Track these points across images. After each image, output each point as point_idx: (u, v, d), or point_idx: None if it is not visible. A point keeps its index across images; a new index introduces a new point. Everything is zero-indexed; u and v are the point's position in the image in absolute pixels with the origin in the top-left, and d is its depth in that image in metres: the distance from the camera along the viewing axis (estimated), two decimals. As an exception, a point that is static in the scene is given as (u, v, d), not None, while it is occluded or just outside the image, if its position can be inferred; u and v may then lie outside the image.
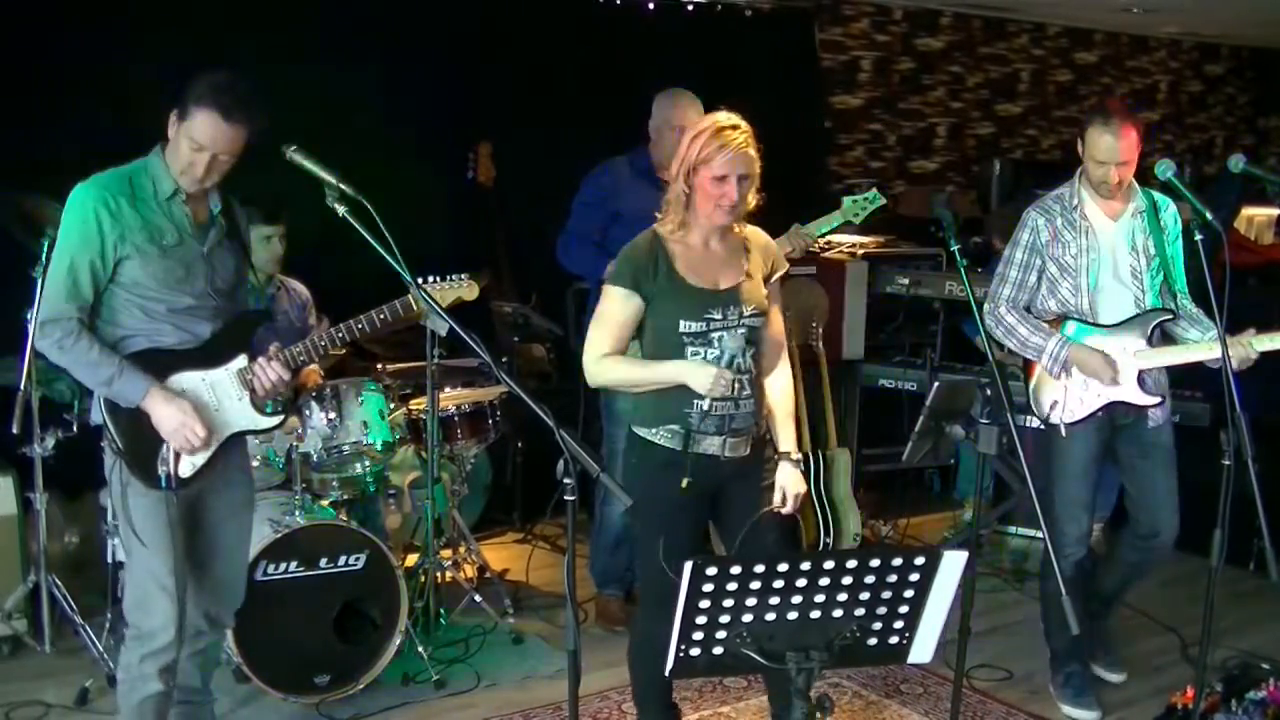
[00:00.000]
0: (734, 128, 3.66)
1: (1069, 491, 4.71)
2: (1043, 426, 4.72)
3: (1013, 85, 10.41)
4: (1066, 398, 4.62)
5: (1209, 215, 4.11)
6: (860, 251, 7.17)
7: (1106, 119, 4.48)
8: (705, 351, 3.67)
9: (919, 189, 9.48)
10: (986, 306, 4.75)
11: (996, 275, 4.80)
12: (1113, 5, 9.13)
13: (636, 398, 3.80)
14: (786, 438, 3.91)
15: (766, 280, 3.85)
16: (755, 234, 3.88)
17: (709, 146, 3.64)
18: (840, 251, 7.03)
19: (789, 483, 3.87)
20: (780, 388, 3.93)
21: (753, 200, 3.75)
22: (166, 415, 3.63)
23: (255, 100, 3.59)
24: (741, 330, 3.69)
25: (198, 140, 3.55)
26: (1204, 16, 9.77)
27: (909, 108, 9.76)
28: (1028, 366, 4.76)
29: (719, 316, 3.68)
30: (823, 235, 5.49)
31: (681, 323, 3.67)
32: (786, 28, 8.64)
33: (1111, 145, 4.47)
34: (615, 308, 3.74)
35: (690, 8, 7.95)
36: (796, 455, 3.91)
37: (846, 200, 5.49)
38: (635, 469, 3.85)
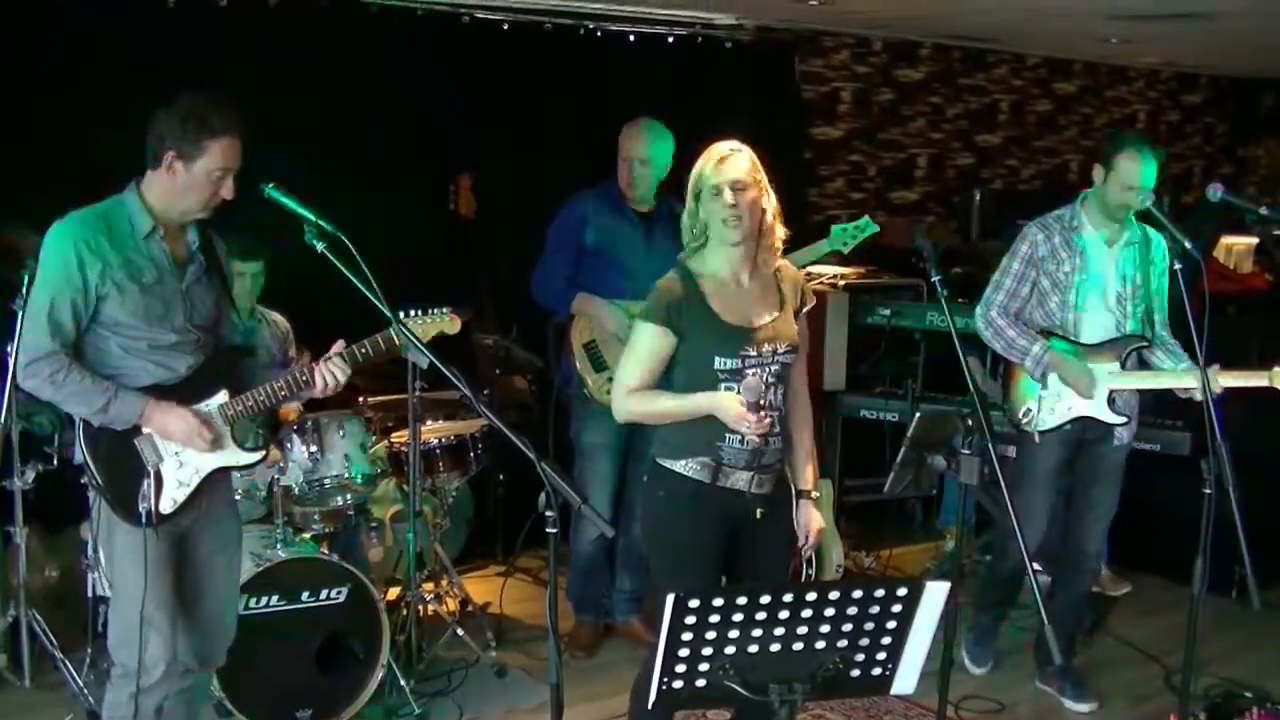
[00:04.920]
0: (726, 147, 3.69)
1: (1028, 497, 4.94)
2: (1015, 433, 5.01)
3: (992, 116, 10.46)
4: (1040, 407, 4.86)
5: (1188, 244, 4.18)
6: (841, 282, 7.19)
7: (1140, 147, 4.71)
8: (738, 388, 3.60)
9: (899, 219, 9.50)
10: (979, 309, 4.99)
11: (992, 282, 5.02)
12: (1092, 36, 9.19)
13: (664, 428, 3.76)
14: (807, 476, 3.90)
15: (796, 314, 3.81)
16: (786, 268, 3.86)
17: (702, 165, 3.68)
18: (821, 282, 7.04)
19: (811, 521, 3.88)
20: (803, 425, 3.91)
21: (780, 229, 3.76)
22: (172, 424, 3.63)
23: (232, 103, 3.64)
24: (774, 367, 3.67)
25: (223, 167, 3.58)
26: (1182, 47, 9.83)
27: (889, 138, 9.79)
28: (1008, 374, 5.01)
29: (754, 353, 3.64)
30: (806, 266, 5.40)
31: (717, 359, 3.63)
32: (767, 59, 8.66)
33: (1146, 171, 4.68)
34: (647, 343, 3.70)
35: (671, 39, 7.97)
36: (817, 494, 3.92)
37: (835, 229, 5.47)
38: (660, 501, 3.77)
